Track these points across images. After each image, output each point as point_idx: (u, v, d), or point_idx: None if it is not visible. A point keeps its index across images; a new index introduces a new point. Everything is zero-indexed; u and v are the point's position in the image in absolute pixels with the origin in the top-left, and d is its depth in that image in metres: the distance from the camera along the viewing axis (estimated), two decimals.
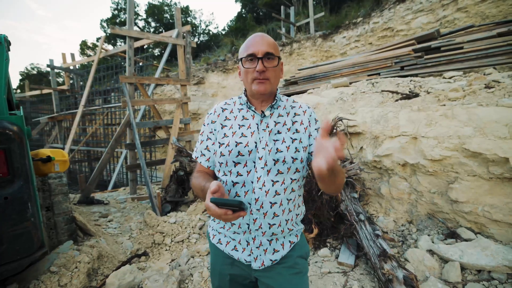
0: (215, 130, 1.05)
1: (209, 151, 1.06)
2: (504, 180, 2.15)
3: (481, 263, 1.92)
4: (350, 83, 4.68)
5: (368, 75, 4.91)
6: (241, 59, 0.99)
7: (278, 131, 1.00)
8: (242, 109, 1.06)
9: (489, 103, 2.47)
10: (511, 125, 2.16)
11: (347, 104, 3.83)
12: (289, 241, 1.04)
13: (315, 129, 1.05)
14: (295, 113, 1.05)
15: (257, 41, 0.96)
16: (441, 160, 2.41)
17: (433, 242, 2.29)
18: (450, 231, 2.33)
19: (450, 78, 3.73)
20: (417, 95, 3.32)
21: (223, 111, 1.07)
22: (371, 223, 2.42)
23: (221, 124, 1.04)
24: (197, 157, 1.09)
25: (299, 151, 0.98)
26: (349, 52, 8.80)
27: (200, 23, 21.26)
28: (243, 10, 18.95)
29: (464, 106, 2.56)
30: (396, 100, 3.39)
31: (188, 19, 20.25)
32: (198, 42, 18.94)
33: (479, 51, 3.91)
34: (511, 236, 2.11)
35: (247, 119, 1.02)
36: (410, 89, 3.61)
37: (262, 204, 0.95)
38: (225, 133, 1.02)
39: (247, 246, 1.00)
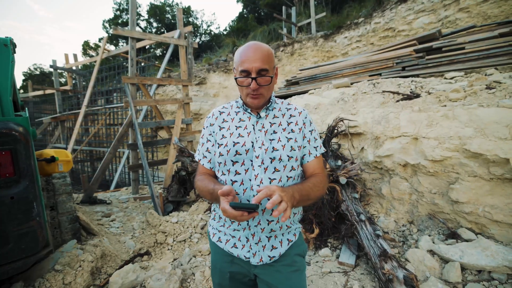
0: (213, 132, 1.10)
1: (210, 152, 1.11)
2: (504, 181, 2.16)
3: (481, 263, 1.93)
4: (352, 84, 4.69)
5: (370, 76, 4.91)
6: (236, 76, 1.01)
7: (274, 131, 1.05)
8: (238, 111, 1.10)
9: (490, 104, 2.47)
10: None
11: (348, 105, 3.84)
12: (287, 239, 1.07)
13: (309, 131, 1.10)
14: (290, 115, 1.10)
15: (250, 56, 0.95)
16: (442, 161, 2.42)
17: (433, 243, 2.29)
18: (451, 231, 2.33)
19: (451, 78, 3.73)
20: (418, 96, 3.33)
21: (220, 114, 1.12)
22: (372, 223, 2.43)
23: (219, 126, 1.09)
24: (200, 160, 1.14)
25: (294, 150, 1.03)
26: (350, 53, 8.80)
27: (201, 24, 21.28)
28: (245, 10, 18.95)
29: (465, 107, 2.57)
30: (397, 101, 3.40)
31: (190, 19, 20.27)
32: (200, 43, 18.96)
33: (481, 51, 3.91)
34: (511, 237, 2.12)
35: (244, 121, 1.07)
36: (411, 89, 3.61)
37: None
38: (223, 135, 1.06)
39: (247, 242, 1.03)
